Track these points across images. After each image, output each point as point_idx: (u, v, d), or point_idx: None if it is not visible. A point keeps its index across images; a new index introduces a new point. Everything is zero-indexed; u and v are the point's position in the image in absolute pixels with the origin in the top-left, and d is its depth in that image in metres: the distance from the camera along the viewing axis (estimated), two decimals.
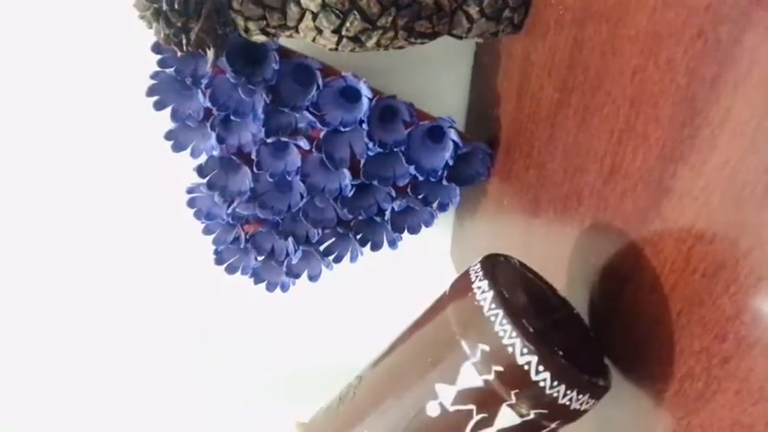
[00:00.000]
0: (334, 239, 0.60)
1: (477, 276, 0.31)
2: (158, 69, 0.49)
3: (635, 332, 0.31)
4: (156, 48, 0.48)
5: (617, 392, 0.32)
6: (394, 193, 0.55)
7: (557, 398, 0.27)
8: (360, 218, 0.57)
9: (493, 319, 0.28)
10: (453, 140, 0.51)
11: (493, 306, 0.29)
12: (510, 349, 0.27)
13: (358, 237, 0.60)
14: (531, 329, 0.28)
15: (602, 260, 0.34)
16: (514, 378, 0.28)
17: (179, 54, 0.41)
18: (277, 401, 0.88)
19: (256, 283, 0.62)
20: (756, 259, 0.21)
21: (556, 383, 0.27)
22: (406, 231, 0.59)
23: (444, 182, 0.54)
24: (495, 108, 0.52)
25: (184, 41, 0.39)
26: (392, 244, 0.61)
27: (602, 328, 0.35)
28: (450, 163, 0.52)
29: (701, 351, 0.25)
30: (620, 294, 0.32)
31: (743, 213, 0.22)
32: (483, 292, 0.30)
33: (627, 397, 0.32)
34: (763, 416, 0.22)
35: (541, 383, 0.27)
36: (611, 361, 0.33)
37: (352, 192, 0.54)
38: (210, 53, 0.40)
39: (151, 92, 0.50)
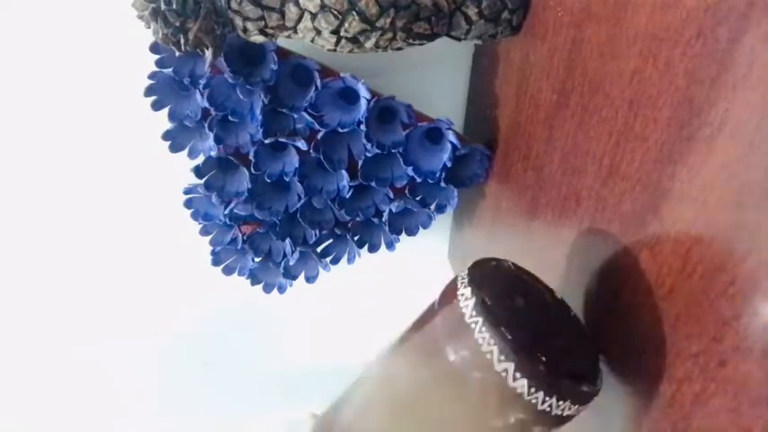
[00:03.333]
0: (331, 241, 0.60)
1: (462, 283, 0.32)
2: (156, 69, 0.49)
3: (632, 334, 0.31)
4: (155, 48, 0.48)
5: (614, 394, 0.31)
6: (392, 195, 0.55)
7: (536, 404, 0.28)
8: (357, 219, 0.57)
9: (473, 326, 0.29)
10: (451, 142, 0.51)
11: (474, 313, 0.29)
12: (488, 356, 0.28)
13: (355, 238, 0.59)
14: (510, 336, 0.28)
15: (600, 262, 0.34)
16: (493, 385, 0.28)
17: (177, 54, 0.41)
18: (273, 403, 0.88)
19: (253, 284, 0.62)
20: (754, 261, 0.21)
21: (533, 390, 0.27)
22: (403, 233, 0.59)
23: (442, 183, 0.54)
24: (494, 110, 0.52)
25: (182, 41, 0.39)
26: (390, 246, 0.60)
27: (599, 329, 0.34)
28: (449, 164, 0.52)
29: (698, 354, 0.25)
30: (617, 296, 0.32)
31: (741, 215, 0.22)
32: (466, 300, 0.30)
33: (623, 399, 0.32)
34: (759, 418, 0.21)
35: (519, 390, 0.27)
36: (607, 363, 0.33)
37: (349, 193, 0.54)
38: (209, 53, 0.40)
39: (149, 92, 0.50)
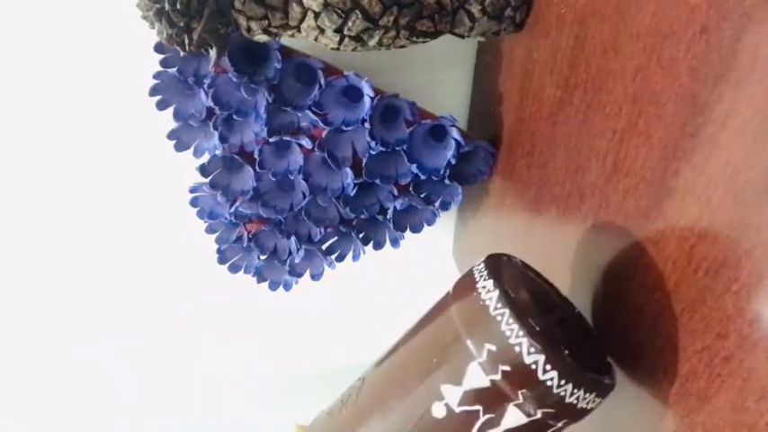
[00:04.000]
0: (336, 238, 0.60)
1: (481, 276, 0.31)
2: (161, 69, 0.49)
3: (637, 331, 0.31)
4: (159, 47, 0.48)
5: (620, 391, 0.32)
6: (396, 192, 0.55)
7: (564, 397, 0.27)
8: (362, 217, 0.57)
9: (499, 318, 0.28)
10: (455, 139, 0.51)
11: (499, 305, 0.29)
12: (517, 348, 0.27)
13: (360, 236, 0.60)
14: (538, 328, 0.28)
15: (605, 259, 0.34)
16: (522, 378, 0.28)
17: (181, 54, 0.41)
18: (279, 401, 0.88)
19: (259, 282, 0.62)
20: (758, 257, 0.21)
21: (563, 382, 0.27)
22: (408, 230, 0.59)
23: (446, 181, 0.54)
24: (498, 107, 0.52)
25: (187, 41, 0.39)
26: (394, 243, 0.61)
27: (604, 326, 0.35)
28: (453, 162, 0.52)
29: (703, 349, 0.25)
30: (622, 293, 0.32)
31: (745, 211, 0.22)
32: (488, 292, 0.30)
33: (630, 396, 0.32)
34: (765, 413, 0.22)
35: (549, 383, 0.27)
36: (613, 359, 0.33)
37: (354, 191, 0.54)
38: (213, 53, 0.40)
39: (154, 91, 0.50)
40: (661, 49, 0.27)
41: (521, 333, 0.27)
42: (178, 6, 0.37)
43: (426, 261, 0.75)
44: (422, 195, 0.56)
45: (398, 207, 0.55)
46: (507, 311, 0.28)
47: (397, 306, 0.74)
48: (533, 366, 0.27)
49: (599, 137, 0.33)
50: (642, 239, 0.30)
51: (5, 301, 0.74)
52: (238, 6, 0.39)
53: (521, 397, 0.28)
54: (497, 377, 0.28)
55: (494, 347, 0.28)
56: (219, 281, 0.64)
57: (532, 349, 0.27)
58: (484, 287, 0.30)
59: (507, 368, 0.28)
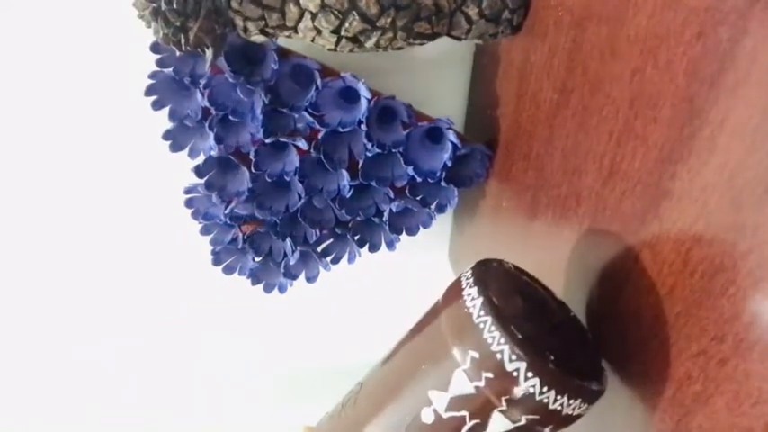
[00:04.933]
0: (332, 240, 0.60)
1: (467, 283, 0.32)
2: (157, 69, 0.49)
3: (633, 334, 0.31)
4: (155, 47, 0.48)
5: (615, 394, 0.32)
6: (392, 195, 0.55)
7: (547, 403, 0.28)
8: (358, 219, 0.57)
9: (482, 326, 0.29)
10: (452, 142, 0.51)
11: (482, 313, 0.29)
12: (498, 356, 0.28)
13: (356, 238, 0.59)
14: (520, 335, 0.28)
15: (601, 262, 0.34)
16: (504, 385, 0.28)
17: (178, 54, 0.41)
18: (272, 403, 0.88)
19: (254, 283, 0.62)
20: (755, 261, 0.21)
21: (545, 389, 0.27)
22: (404, 233, 0.59)
23: (443, 183, 0.54)
24: (494, 109, 0.52)
25: (183, 41, 0.39)
26: (390, 245, 0.60)
27: (600, 329, 0.34)
28: (449, 164, 0.52)
29: (699, 353, 0.25)
30: (618, 296, 0.32)
31: (742, 215, 0.22)
32: (473, 299, 0.30)
33: (625, 399, 0.32)
34: (761, 417, 0.21)
35: (531, 389, 0.27)
36: (609, 363, 0.33)
37: (350, 193, 0.54)
38: (209, 53, 0.40)
39: (149, 91, 0.50)
40: (658, 51, 0.27)
41: (502, 340, 0.28)
42: (174, 6, 0.37)
43: (422, 264, 0.75)
44: (418, 198, 0.56)
45: (394, 209, 0.55)
46: (489, 319, 0.29)
47: (393, 309, 0.74)
48: (515, 374, 0.27)
49: (596, 140, 0.33)
50: (638, 243, 0.30)
51: (5, 302, 0.73)
52: (235, 6, 0.39)
53: (504, 404, 0.28)
54: (481, 384, 0.28)
55: (477, 355, 0.29)
56: (218, 283, 0.64)
57: (514, 356, 0.27)
58: (469, 294, 0.31)
59: (490, 375, 0.28)
